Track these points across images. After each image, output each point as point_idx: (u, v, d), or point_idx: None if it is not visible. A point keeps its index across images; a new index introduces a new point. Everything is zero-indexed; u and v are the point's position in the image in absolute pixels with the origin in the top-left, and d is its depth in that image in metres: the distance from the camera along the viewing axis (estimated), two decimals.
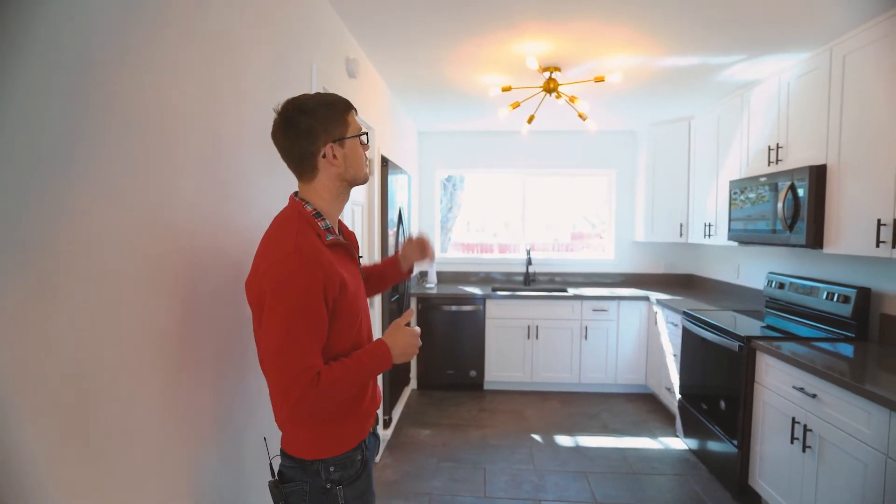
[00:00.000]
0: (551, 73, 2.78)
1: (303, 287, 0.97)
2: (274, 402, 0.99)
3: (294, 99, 1.07)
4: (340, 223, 1.22)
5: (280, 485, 1.10)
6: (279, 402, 0.98)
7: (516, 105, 3.02)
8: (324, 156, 1.06)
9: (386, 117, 3.22)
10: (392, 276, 1.44)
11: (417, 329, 1.18)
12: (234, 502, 1.30)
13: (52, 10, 0.74)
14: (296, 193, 1.12)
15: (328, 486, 1.09)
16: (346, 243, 1.14)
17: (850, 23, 2.12)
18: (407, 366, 3.95)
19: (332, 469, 1.09)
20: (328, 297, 1.00)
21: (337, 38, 2.19)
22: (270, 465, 1.16)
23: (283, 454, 1.12)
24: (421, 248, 1.41)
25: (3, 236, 0.67)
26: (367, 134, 1.14)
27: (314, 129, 1.05)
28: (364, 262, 1.37)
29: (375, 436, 1.26)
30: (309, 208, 1.08)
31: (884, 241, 1.98)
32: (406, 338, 1.13)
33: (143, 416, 0.96)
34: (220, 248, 1.23)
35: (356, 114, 1.14)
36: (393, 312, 3.21)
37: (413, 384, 4.16)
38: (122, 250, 0.89)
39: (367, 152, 1.16)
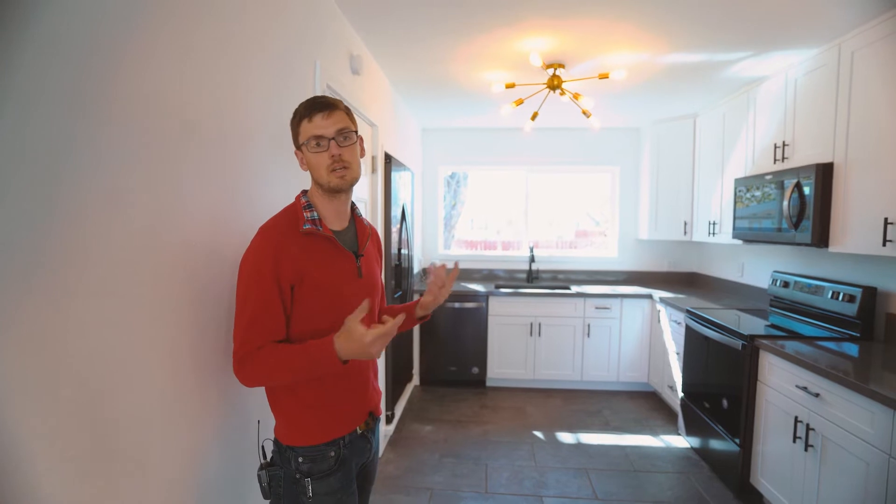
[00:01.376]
0: (555, 69, 2.77)
1: (253, 266, 1.06)
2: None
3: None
4: (358, 219, 1.26)
5: (266, 467, 1.14)
6: (233, 361, 1.08)
7: (520, 102, 3.01)
8: (300, 160, 1.16)
9: (389, 114, 3.22)
10: (407, 323, 1.36)
11: (379, 331, 0.99)
12: (239, 492, 1.31)
13: (52, 8, 0.74)
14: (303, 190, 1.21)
15: (297, 475, 1.11)
16: (327, 236, 1.12)
17: (858, 19, 2.09)
18: (410, 362, 3.96)
19: (300, 459, 1.11)
20: (282, 280, 1.06)
21: (340, 34, 2.19)
22: (262, 448, 1.19)
23: (274, 439, 1.17)
24: (438, 287, 1.31)
25: (8, 236, 0.68)
26: (315, 139, 1.08)
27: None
28: None
29: (364, 437, 1.22)
30: (304, 200, 1.16)
31: (890, 240, 1.96)
32: (354, 338, 0.99)
33: (148, 411, 0.96)
34: (224, 243, 1.24)
35: (319, 115, 1.08)
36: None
37: (415, 380, 4.17)
38: (129, 246, 0.90)
39: (333, 157, 1.08)
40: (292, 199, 1.20)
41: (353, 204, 1.25)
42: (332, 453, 1.13)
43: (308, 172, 1.16)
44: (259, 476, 1.14)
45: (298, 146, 1.13)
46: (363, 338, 0.98)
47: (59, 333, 0.75)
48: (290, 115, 1.15)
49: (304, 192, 1.18)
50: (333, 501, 1.13)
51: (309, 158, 1.11)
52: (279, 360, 1.04)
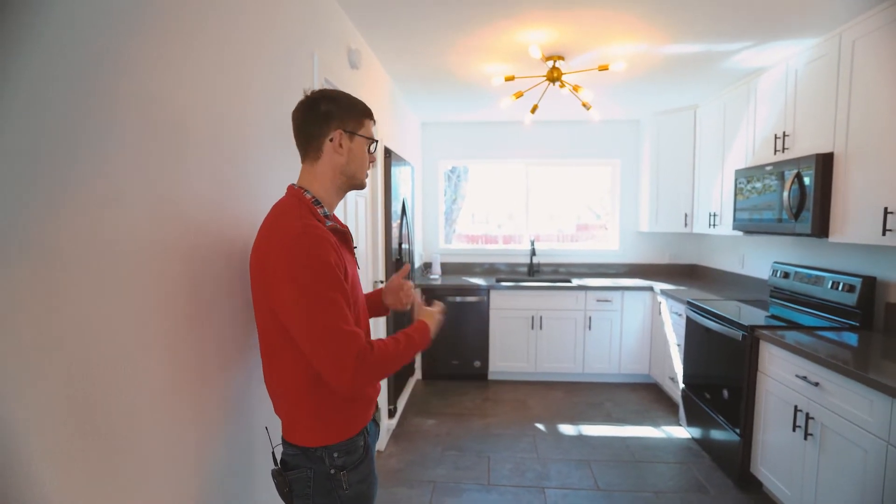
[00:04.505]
0: (555, 61, 2.76)
1: (320, 262, 1.00)
2: (332, 376, 1.00)
3: (324, 89, 1.19)
4: (334, 217, 1.24)
5: (283, 473, 1.12)
6: (339, 373, 0.99)
7: (519, 94, 3.00)
8: (331, 140, 1.12)
9: (388, 108, 3.22)
10: (375, 310, 1.45)
11: (438, 307, 1.32)
12: (241, 492, 1.33)
13: (56, 7, 0.74)
14: (293, 185, 1.16)
15: (332, 471, 1.11)
16: (345, 230, 1.18)
17: (859, 8, 2.08)
18: None
19: (335, 455, 1.11)
20: (339, 272, 1.05)
21: (339, 28, 2.19)
22: (273, 454, 1.18)
23: (285, 443, 1.14)
24: (397, 291, 1.42)
25: (10, 230, 0.68)
26: (376, 142, 1.20)
27: (331, 113, 1.12)
28: (362, 251, 1.41)
29: (376, 423, 1.29)
30: (308, 196, 1.12)
31: (890, 230, 1.96)
32: (437, 315, 1.28)
33: (149, 410, 0.96)
34: (226, 240, 1.24)
35: (374, 124, 1.20)
36: None
37: (418, 374, 4.19)
38: (130, 243, 0.90)
39: (372, 164, 1.21)
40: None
41: None
42: (361, 443, 1.16)
43: (330, 159, 1.13)
44: (277, 482, 1.12)
45: (351, 131, 1.14)
46: (436, 314, 1.28)
47: (59, 333, 0.75)
48: (290, 109, 1.16)
49: (302, 189, 1.13)
50: (366, 487, 1.16)
51: (358, 153, 1.16)
52: (393, 353, 1.08)
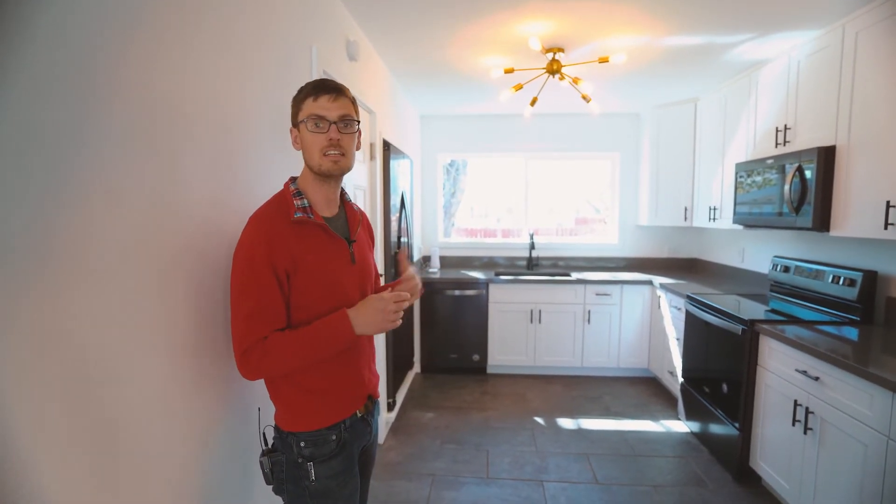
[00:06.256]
0: (554, 54, 2.73)
1: (248, 255, 1.04)
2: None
3: None
4: (348, 204, 1.24)
5: (266, 454, 1.16)
6: (236, 358, 1.07)
7: (519, 87, 2.97)
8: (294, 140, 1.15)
9: (387, 101, 3.19)
10: None
11: (396, 294, 1.13)
12: (241, 478, 1.32)
13: (54, 3, 0.72)
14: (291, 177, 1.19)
15: (300, 460, 1.12)
16: (318, 223, 1.12)
17: None
18: (410, 349, 3.98)
19: (302, 444, 1.12)
20: (277, 268, 1.05)
21: (337, 19, 2.16)
22: (264, 434, 1.20)
23: (275, 426, 1.18)
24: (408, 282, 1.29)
25: (9, 231, 0.67)
26: (316, 119, 1.07)
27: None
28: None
29: (365, 421, 1.24)
30: (293, 187, 1.14)
31: (892, 224, 1.95)
32: (372, 306, 1.10)
33: (148, 407, 0.95)
34: (224, 233, 1.23)
35: (316, 98, 1.07)
36: None
37: (416, 368, 4.19)
38: (128, 239, 0.89)
39: (327, 139, 1.07)
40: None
41: (342, 190, 1.23)
42: (334, 437, 1.15)
43: (301, 155, 1.15)
44: (261, 462, 1.15)
45: (296, 123, 1.12)
46: (384, 302, 1.10)
47: (57, 329, 0.74)
48: (288, 103, 1.14)
49: (293, 179, 1.16)
50: (336, 484, 1.14)
51: (305, 137, 1.10)
52: (289, 344, 1.04)
